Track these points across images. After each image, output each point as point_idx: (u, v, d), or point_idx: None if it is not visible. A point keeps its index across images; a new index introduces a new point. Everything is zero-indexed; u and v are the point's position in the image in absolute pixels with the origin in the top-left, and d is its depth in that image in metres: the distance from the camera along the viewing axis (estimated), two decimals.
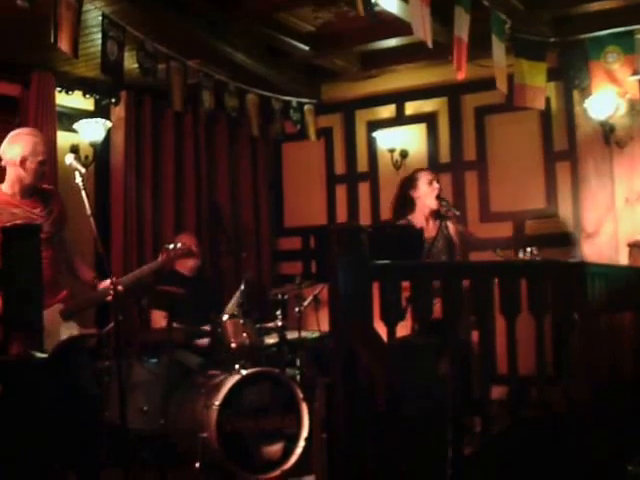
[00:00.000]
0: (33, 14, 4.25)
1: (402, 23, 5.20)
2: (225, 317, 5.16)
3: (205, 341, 5.42)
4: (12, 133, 4.09)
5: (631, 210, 5.96)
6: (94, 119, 6.15)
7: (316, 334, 6.10)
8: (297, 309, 5.90)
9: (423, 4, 4.58)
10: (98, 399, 4.29)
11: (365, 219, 7.12)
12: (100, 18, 4.75)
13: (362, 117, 7.33)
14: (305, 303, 6.06)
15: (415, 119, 7.07)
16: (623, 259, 5.66)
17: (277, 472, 4.84)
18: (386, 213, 5.94)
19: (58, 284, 4.09)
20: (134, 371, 4.92)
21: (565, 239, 6.31)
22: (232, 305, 5.39)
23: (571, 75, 6.19)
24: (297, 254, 7.54)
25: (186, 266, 5.75)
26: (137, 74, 5.24)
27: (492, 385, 3.64)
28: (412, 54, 6.31)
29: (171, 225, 6.62)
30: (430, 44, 4.70)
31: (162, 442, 4.72)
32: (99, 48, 4.78)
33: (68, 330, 4.04)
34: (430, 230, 4.99)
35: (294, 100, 6.74)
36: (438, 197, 5.06)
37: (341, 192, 7.42)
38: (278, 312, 5.67)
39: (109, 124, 6.27)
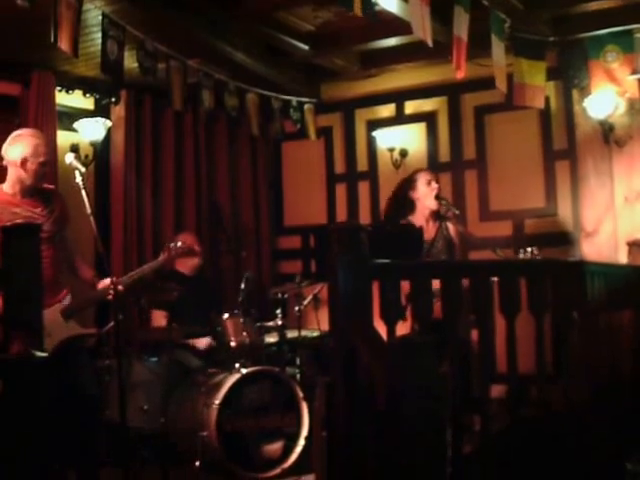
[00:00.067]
0: (33, 14, 4.26)
1: (402, 22, 5.21)
2: (225, 316, 5.17)
3: (203, 343, 5.41)
4: (14, 134, 4.11)
5: (630, 209, 5.96)
6: (94, 118, 6.16)
7: (316, 333, 6.11)
8: (297, 308, 5.90)
9: (423, 3, 4.59)
10: (98, 398, 4.29)
11: (365, 218, 7.12)
12: (100, 17, 4.75)
13: (362, 116, 7.33)
14: (305, 302, 6.06)
15: (415, 118, 7.07)
16: (622, 258, 5.66)
17: (277, 471, 4.85)
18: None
19: (59, 283, 4.10)
20: (134, 370, 4.92)
21: (564, 238, 6.32)
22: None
23: (570, 74, 6.19)
24: (297, 253, 7.54)
25: (187, 265, 5.75)
26: (137, 73, 5.24)
27: (492, 384, 3.65)
28: (412, 53, 6.31)
29: (171, 224, 6.62)
30: (430, 43, 4.70)
31: (162, 441, 4.73)
32: (99, 47, 4.78)
33: (68, 329, 4.05)
34: (430, 231, 4.99)
35: (294, 99, 6.74)
36: (437, 197, 5.06)
37: (341, 191, 7.42)
38: (278, 311, 5.67)
39: (109, 123, 6.28)
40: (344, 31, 6.14)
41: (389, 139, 7.00)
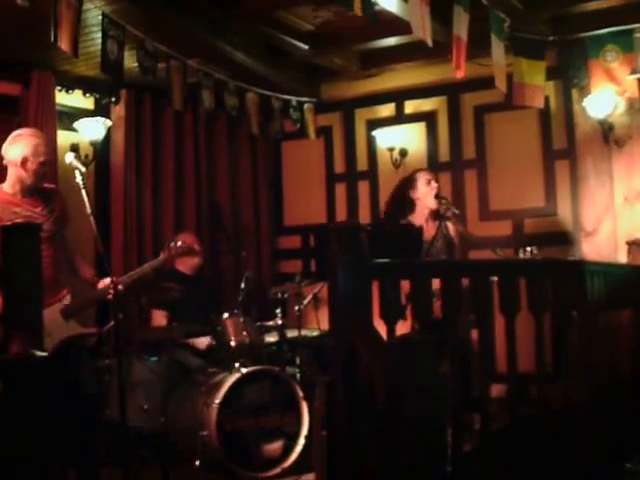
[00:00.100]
0: (33, 13, 4.26)
1: (401, 22, 5.21)
2: (225, 315, 5.17)
3: (204, 343, 5.41)
4: (14, 133, 4.11)
5: (630, 208, 5.97)
6: (94, 118, 6.16)
7: (316, 332, 6.12)
8: (297, 307, 5.90)
9: (422, 3, 4.59)
10: (98, 397, 4.30)
11: (364, 217, 7.12)
12: (100, 17, 4.75)
13: (362, 116, 7.34)
14: (305, 301, 6.06)
15: (414, 118, 7.08)
16: (622, 257, 5.67)
17: (277, 470, 4.85)
18: None
19: (59, 283, 4.10)
20: (134, 369, 4.93)
21: (564, 238, 6.32)
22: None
23: (570, 74, 6.19)
24: (297, 253, 7.54)
25: (187, 265, 5.75)
26: (137, 73, 5.25)
27: (491, 383, 3.65)
28: (411, 53, 6.31)
29: (171, 224, 6.63)
30: (430, 43, 4.71)
31: (162, 440, 4.73)
32: (99, 47, 4.79)
33: (68, 329, 4.05)
34: (429, 230, 4.99)
35: (294, 99, 6.74)
36: (437, 196, 5.05)
37: (341, 191, 7.43)
38: (278, 310, 5.68)
39: (109, 123, 6.28)
40: (344, 31, 6.14)
41: (389, 139, 7.00)
